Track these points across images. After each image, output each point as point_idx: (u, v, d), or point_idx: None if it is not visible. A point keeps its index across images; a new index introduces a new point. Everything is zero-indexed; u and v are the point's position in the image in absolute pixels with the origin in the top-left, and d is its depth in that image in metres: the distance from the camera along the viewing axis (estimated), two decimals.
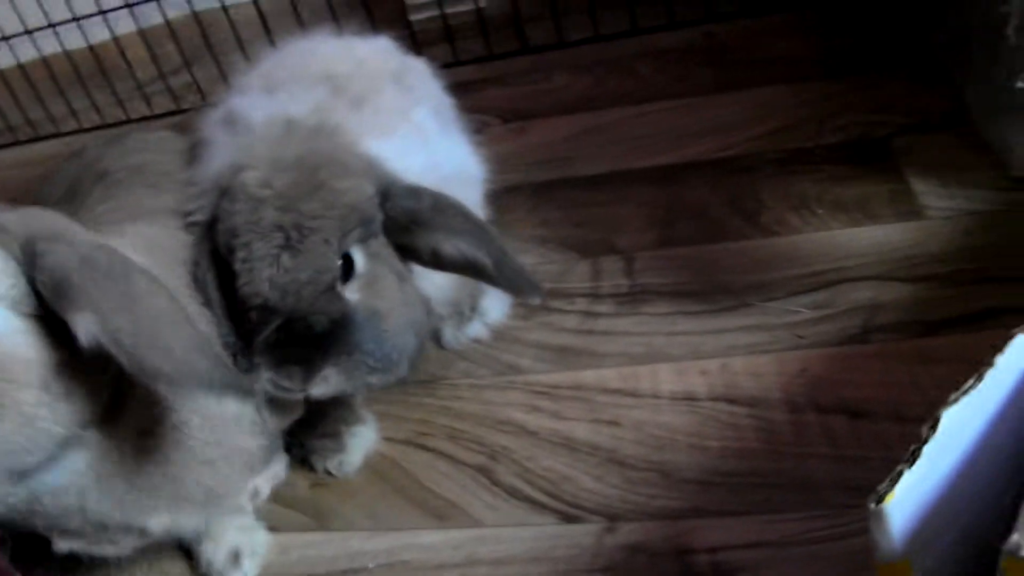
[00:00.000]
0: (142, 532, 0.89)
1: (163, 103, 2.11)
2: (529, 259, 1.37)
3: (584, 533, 1.01)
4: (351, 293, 0.89)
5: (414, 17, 1.95)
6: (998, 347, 0.67)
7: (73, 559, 0.93)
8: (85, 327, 0.68)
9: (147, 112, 2.11)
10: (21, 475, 0.75)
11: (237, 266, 0.88)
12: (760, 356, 1.13)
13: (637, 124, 1.61)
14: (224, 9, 1.98)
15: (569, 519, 1.03)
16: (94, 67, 2.13)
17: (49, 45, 2.15)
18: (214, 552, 1.08)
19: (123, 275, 0.73)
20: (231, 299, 0.90)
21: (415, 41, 1.88)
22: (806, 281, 1.21)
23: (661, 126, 1.58)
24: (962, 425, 0.66)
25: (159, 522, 0.89)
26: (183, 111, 2.06)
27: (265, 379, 0.87)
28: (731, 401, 1.09)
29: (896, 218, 1.26)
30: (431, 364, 1.25)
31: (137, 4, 2.05)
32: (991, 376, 0.66)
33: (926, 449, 0.64)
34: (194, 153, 1.13)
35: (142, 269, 0.76)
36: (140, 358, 0.69)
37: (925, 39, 1.54)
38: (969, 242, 1.19)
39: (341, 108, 1.03)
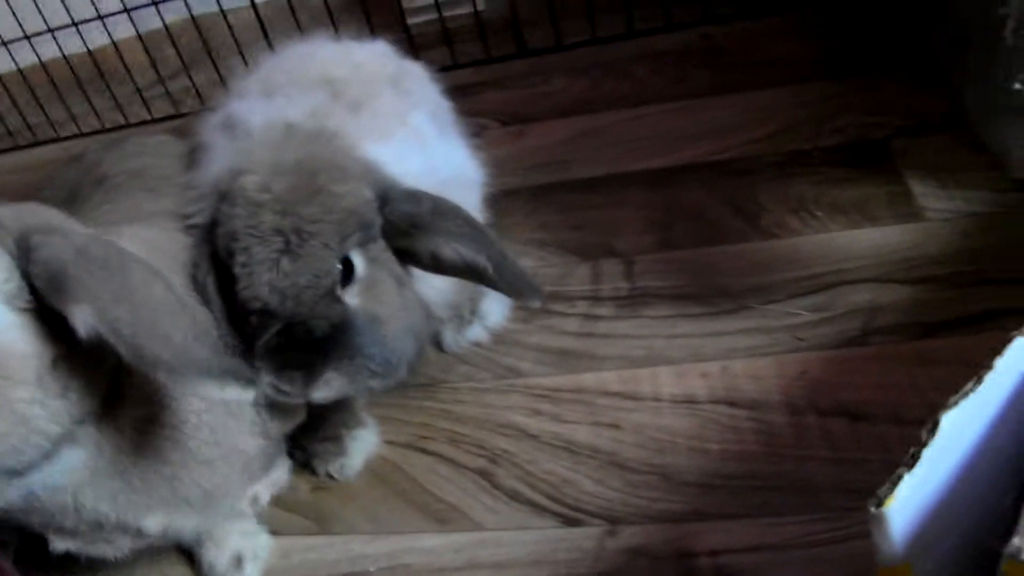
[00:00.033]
0: (138, 532, 0.88)
1: (162, 107, 2.11)
2: (528, 262, 1.37)
3: (585, 536, 1.01)
4: (351, 297, 0.89)
5: (412, 20, 1.96)
6: (997, 350, 0.67)
7: (75, 562, 0.93)
8: (83, 318, 0.68)
9: (146, 116, 2.11)
10: (15, 473, 0.74)
11: (237, 270, 0.88)
12: (760, 359, 1.13)
13: (634, 127, 1.61)
14: (222, 13, 1.98)
15: (570, 522, 1.03)
16: (93, 72, 2.13)
17: (48, 50, 2.16)
18: (216, 556, 1.08)
19: (119, 265, 0.72)
20: (231, 303, 0.91)
21: (413, 44, 1.89)
22: (805, 283, 1.21)
23: (658, 129, 1.59)
24: (962, 428, 0.66)
25: (155, 522, 0.88)
26: (182, 115, 2.06)
27: (266, 383, 0.87)
28: (731, 404, 1.09)
29: (895, 220, 1.26)
30: (431, 367, 1.25)
31: (136, 9, 2.05)
32: (990, 379, 0.66)
33: (926, 453, 0.64)
34: (193, 157, 1.13)
35: (138, 259, 0.75)
36: (140, 347, 0.68)
37: (922, 41, 1.54)
38: (968, 244, 1.19)
39: (339, 112, 1.03)
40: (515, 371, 1.22)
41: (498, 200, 1.27)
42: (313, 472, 1.17)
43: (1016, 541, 0.55)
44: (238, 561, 1.08)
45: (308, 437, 1.14)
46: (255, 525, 1.11)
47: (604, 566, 0.98)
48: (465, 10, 1.92)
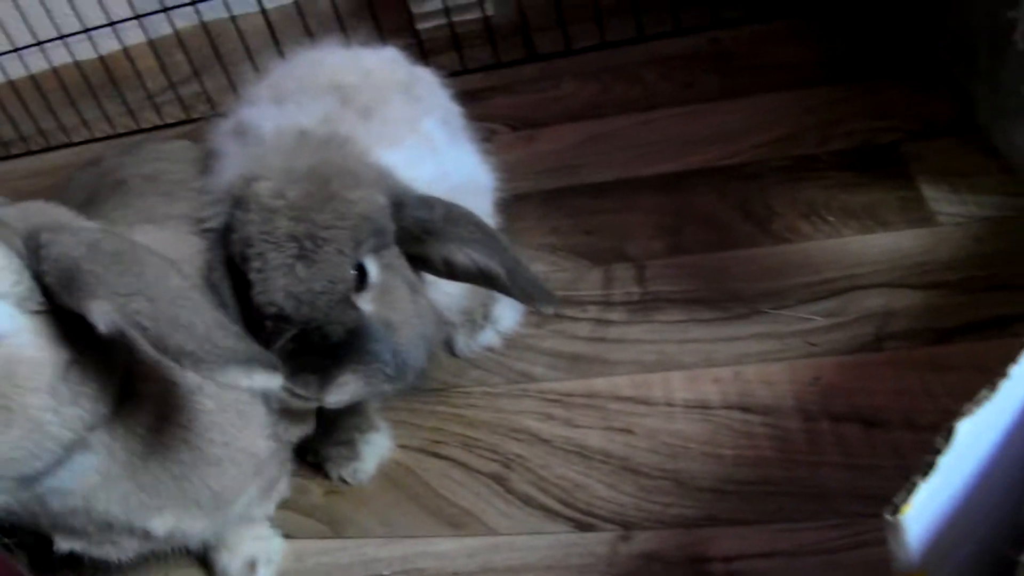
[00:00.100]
0: (145, 534, 0.89)
1: (173, 112, 2.12)
2: (540, 267, 1.37)
3: (598, 541, 1.01)
4: (365, 303, 0.90)
5: (421, 26, 1.97)
6: (1011, 357, 0.67)
7: (81, 563, 0.94)
8: (102, 313, 0.67)
9: (157, 121, 2.13)
10: (30, 480, 0.74)
11: (252, 275, 0.88)
12: (773, 364, 1.13)
13: (644, 131, 1.61)
14: (232, 19, 1.99)
15: (583, 527, 1.03)
16: (104, 77, 2.14)
17: (59, 56, 2.17)
18: (229, 560, 1.08)
19: (133, 257, 0.71)
20: (246, 307, 0.91)
21: (422, 50, 1.89)
22: (817, 288, 1.21)
23: (668, 133, 1.59)
24: (977, 436, 0.66)
25: (162, 523, 0.88)
26: (193, 120, 2.07)
27: (281, 387, 0.88)
28: (744, 409, 1.09)
29: (907, 225, 1.26)
30: (444, 372, 1.25)
31: (146, 15, 2.06)
32: (1006, 386, 0.66)
33: (941, 460, 0.64)
34: (206, 163, 1.14)
35: (151, 250, 0.74)
36: (163, 339, 0.67)
37: (930, 44, 1.54)
38: (980, 248, 1.19)
39: (349, 118, 1.04)
40: (527, 376, 1.22)
41: (509, 205, 1.28)
42: (326, 476, 1.17)
43: None
44: (251, 565, 1.08)
45: (321, 441, 1.14)
46: (268, 529, 1.11)
47: (617, 571, 0.98)
48: (474, 15, 1.92)
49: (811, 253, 1.26)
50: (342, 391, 0.89)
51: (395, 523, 1.10)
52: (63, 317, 0.71)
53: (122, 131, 2.14)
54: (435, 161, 1.08)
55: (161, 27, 2.11)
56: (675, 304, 1.26)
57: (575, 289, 1.32)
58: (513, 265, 0.90)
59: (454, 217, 0.92)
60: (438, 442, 1.18)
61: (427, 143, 1.10)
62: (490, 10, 1.92)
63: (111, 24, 2.07)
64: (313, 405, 0.90)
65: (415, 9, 1.95)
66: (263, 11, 1.95)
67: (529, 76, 1.85)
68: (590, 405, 1.16)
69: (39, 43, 2.12)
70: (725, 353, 1.17)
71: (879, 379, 1.08)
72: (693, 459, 1.06)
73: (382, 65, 1.19)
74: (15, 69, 2.22)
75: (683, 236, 1.36)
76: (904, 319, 1.14)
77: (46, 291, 0.71)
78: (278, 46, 1.90)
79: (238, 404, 0.91)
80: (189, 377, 0.85)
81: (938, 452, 0.64)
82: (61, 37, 2.11)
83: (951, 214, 1.26)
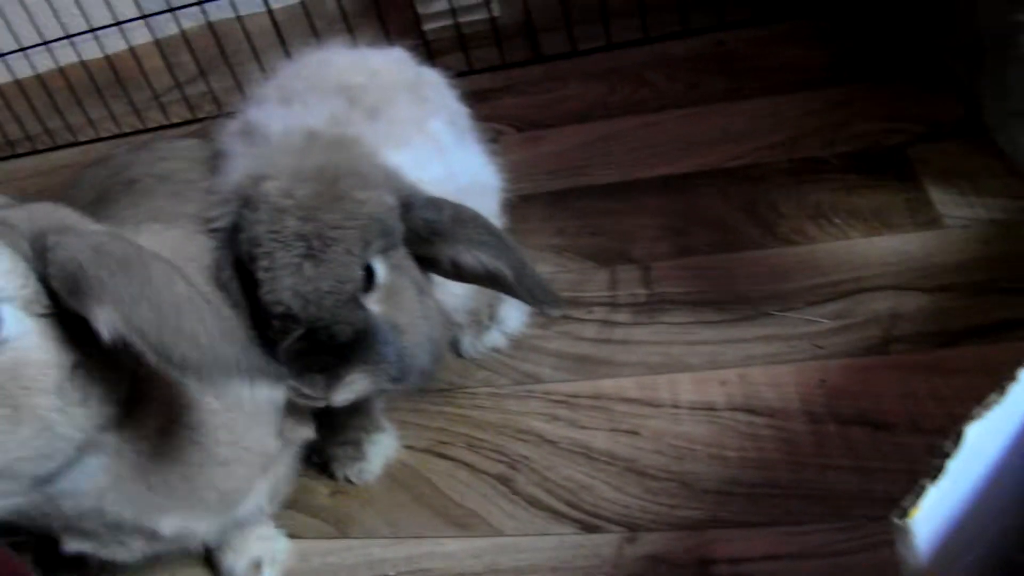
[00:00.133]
0: (153, 534, 0.88)
1: (179, 112, 2.13)
2: (546, 268, 1.38)
3: (604, 543, 1.01)
4: (372, 304, 0.90)
5: (428, 26, 1.97)
6: (1020, 361, 0.67)
7: (87, 564, 0.94)
8: (106, 320, 0.66)
9: (163, 121, 2.13)
10: (42, 481, 0.74)
11: (259, 275, 0.88)
12: (779, 366, 1.13)
13: (650, 133, 1.61)
14: (239, 19, 2.00)
15: (589, 529, 1.03)
16: (110, 77, 2.15)
17: (66, 55, 2.18)
18: (235, 560, 1.09)
19: (138, 262, 0.71)
20: (254, 306, 0.91)
21: (429, 50, 1.89)
22: (824, 291, 1.21)
23: (674, 135, 1.59)
24: (986, 440, 0.66)
25: (171, 524, 0.88)
26: (199, 120, 2.07)
27: (288, 386, 0.88)
28: (750, 411, 1.09)
29: (914, 227, 1.26)
30: (450, 373, 1.25)
31: (152, 15, 2.07)
32: (1014, 390, 0.66)
33: (950, 464, 0.64)
34: (213, 163, 1.14)
35: (156, 255, 0.74)
36: (166, 349, 0.67)
37: (936, 46, 1.54)
38: (987, 252, 1.19)
39: (357, 119, 1.04)
40: (533, 377, 1.22)
41: (514, 206, 1.28)
42: (332, 476, 1.18)
43: None
44: (257, 566, 1.08)
45: (327, 442, 1.14)
46: (273, 529, 1.11)
47: (623, 573, 0.98)
48: (480, 16, 1.92)
49: (817, 255, 1.26)
50: (349, 391, 0.89)
51: (401, 524, 1.11)
52: (70, 319, 0.71)
53: (128, 130, 2.15)
54: (442, 162, 1.08)
55: (167, 27, 2.12)
56: (681, 306, 1.26)
57: (581, 290, 1.32)
58: (520, 267, 0.90)
59: (462, 218, 0.92)
60: (444, 443, 1.18)
61: (434, 144, 1.10)
62: (496, 11, 1.92)
63: (117, 24, 2.08)
64: (320, 404, 0.90)
65: (421, 10, 1.95)
66: (269, 11, 1.96)
67: (535, 77, 1.86)
68: (596, 406, 1.16)
69: (46, 43, 2.13)
70: (731, 355, 1.17)
71: (886, 382, 1.08)
72: (699, 461, 1.06)
73: (389, 65, 1.19)
74: (22, 68, 2.22)
75: (689, 238, 1.36)
76: (911, 322, 1.14)
77: (52, 294, 0.71)
78: (284, 46, 1.90)
79: (246, 404, 0.90)
80: None
81: (947, 456, 0.64)
82: (68, 37, 2.11)
83: (958, 217, 1.26)
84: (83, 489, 0.79)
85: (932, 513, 0.63)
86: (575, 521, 1.04)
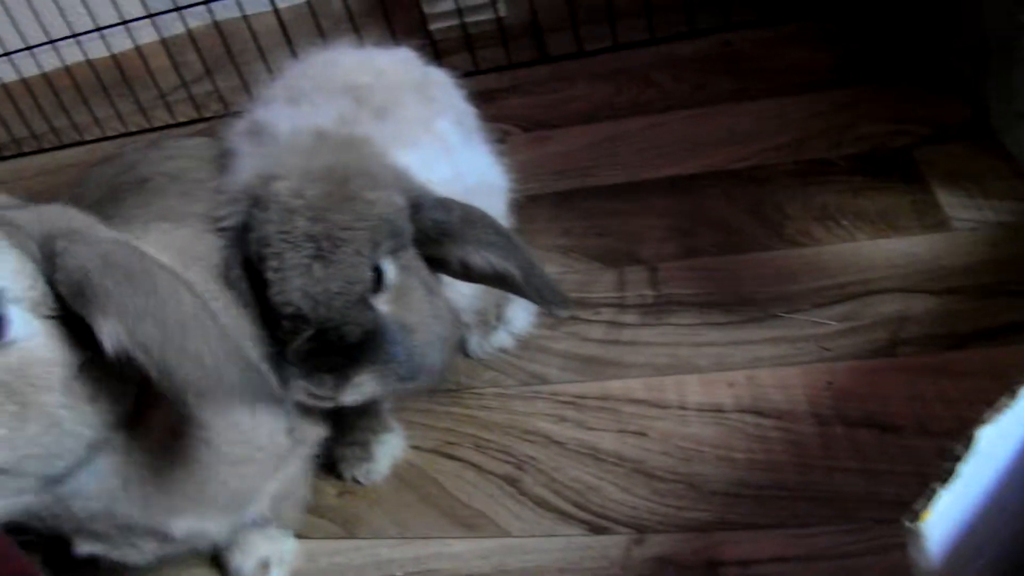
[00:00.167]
0: (164, 536, 0.88)
1: (185, 111, 2.13)
2: (553, 269, 1.38)
3: (612, 545, 1.01)
4: (382, 304, 0.90)
5: (434, 26, 1.97)
6: None
7: (99, 565, 0.93)
8: (111, 334, 0.67)
9: (169, 120, 2.13)
10: (52, 481, 0.73)
11: (269, 275, 0.88)
12: (786, 368, 1.13)
13: (656, 133, 1.61)
14: (245, 19, 2.00)
15: (597, 530, 1.03)
16: (117, 76, 2.15)
17: (72, 54, 2.18)
18: (242, 561, 1.09)
19: (146, 275, 0.71)
20: (264, 305, 0.91)
21: (435, 50, 1.89)
22: (831, 293, 1.21)
23: (680, 135, 1.59)
24: (997, 443, 0.66)
25: (182, 525, 0.88)
26: (205, 119, 2.08)
27: (298, 387, 0.88)
28: (758, 413, 1.09)
29: (921, 229, 1.26)
30: (457, 373, 1.25)
31: (159, 14, 2.07)
32: None
33: (962, 468, 0.64)
34: (220, 163, 1.14)
35: (163, 265, 0.74)
36: (169, 369, 0.67)
37: (942, 48, 1.54)
38: (995, 254, 1.19)
39: (365, 119, 1.04)
40: (540, 377, 1.23)
41: (521, 206, 1.28)
42: (339, 477, 1.18)
43: None
44: (264, 566, 1.08)
45: (335, 442, 1.14)
46: (281, 530, 1.11)
47: (631, 574, 0.98)
48: (487, 16, 1.92)
49: (824, 257, 1.26)
50: (358, 391, 0.89)
51: (408, 524, 1.11)
52: (78, 319, 0.71)
53: (134, 129, 2.15)
54: (450, 162, 1.08)
55: (174, 26, 2.12)
56: (688, 307, 1.26)
57: (588, 291, 1.32)
58: (529, 268, 0.91)
59: (471, 219, 0.92)
60: (451, 443, 1.18)
61: (441, 144, 1.10)
62: (503, 11, 1.92)
63: (124, 23, 2.08)
64: (329, 405, 0.90)
65: (427, 9, 1.95)
66: (276, 11, 1.96)
67: (542, 77, 1.86)
68: (603, 408, 1.16)
69: (52, 41, 2.13)
70: (739, 357, 1.17)
71: (893, 384, 1.08)
72: (707, 462, 1.06)
73: (396, 65, 1.19)
74: (28, 67, 2.23)
75: (696, 239, 1.36)
76: (919, 324, 1.14)
77: (59, 296, 0.71)
78: (291, 46, 1.90)
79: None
80: None
81: (958, 459, 0.64)
82: (74, 36, 2.12)
83: (965, 219, 1.26)
84: (93, 490, 0.79)
85: (943, 517, 0.63)
86: (583, 522, 1.04)
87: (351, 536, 1.12)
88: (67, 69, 2.19)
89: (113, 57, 2.15)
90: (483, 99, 1.28)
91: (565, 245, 1.42)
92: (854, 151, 1.43)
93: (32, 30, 2.14)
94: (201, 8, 2.03)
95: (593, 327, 1.27)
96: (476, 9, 1.92)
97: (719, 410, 1.11)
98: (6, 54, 2.18)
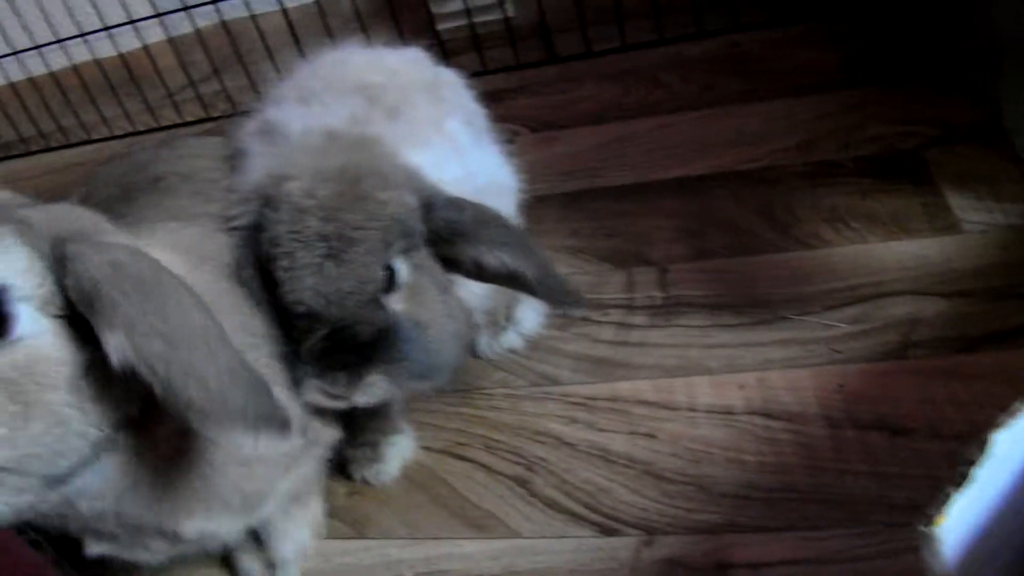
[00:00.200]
0: (175, 537, 0.88)
1: (193, 110, 2.13)
2: (562, 269, 1.37)
3: (622, 546, 1.01)
4: (395, 304, 0.90)
5: (442, 26, 1.97)
6: None
7: (110, 566, 0.93)
8: (117, 348, 0.66)
9: (177, 119, 2.14)
10: (56, 480, 0.73)
11: (280, 274, 0.88)
12: (797, 370, 1.13)
13: (664, 134, 1.61)
14: (253, 18, 2.00)
15: (607, 532, 1.03)
16: (124, 75, 2.15)
17: (80, 53, 2.19)
18: (252, 561, 1.09)
19: (155, 287, 0.70)
20: (276, 304, 0.91)
21: (443, 50, 1.89)
22: (841, 295, 1.20)
23: (688, 136, 1.59)
24: (1011, 447, 0.66)
25: (192, 526, 0.87)
26: (213, 119, 2.08)
27: (311, 386, 0.88)
28: (768, 415, 1.09)
29: (931, 232, 1.25)
30: (467, 374, 1.25)
31: (167, 14, 2.07)
32: None
33: (976, 471, 0.64)
34: (231, 162, 1.14)
35: (175, 279, 0.73)
36: (173, 388, 0.67)
37: (952, 49, 1.53)
38: (1006, 257, 1.19)
39: (377, 119, 1.04)
40: (551, 378, 1.22)
41: (529, 207, 1.28)
42: (349, 477, 1.18)
43: None
44: (275, 566, 1.08)
45: (345, 443, 1.14)
46: (293, 530, 1.11)
47: None
48: (495, 16, 1.92)
49: (835, 259, 1.26)
50: (371, 392, 0.89)
51: (418, 524, 1.11)
52: (85, 320, 0.70)
53: (142, 128, 2.15)
54: (460, 162, 1.08)
55: (182, 26, 2.12)
56: (698, 309, 1.25)
57: (598, 292, 1.32)
58: (542, 268, 0.91)
59: (484, 219, 0.92)
60: (461, 444, 1.18)
61: (452, 144, 1.10)
62: (511, 11, 1.92)
63: (132, 22, 2.09)
64: (342, 405, 0.91)
65: (435, 9, 1.95)
66: (284, 10, 1.96)
67: (549, 78, 1.86)
68: (613, 409, 1.16)
69: (60, 40, 2.14)
70: (749, 359, 1.16)
71: (904, 387, 1.08)
72: (716, 464, 1.06)
73: (407, 65, 1.19)
74: (36, 66, 2.23)
75: (705, 240, 1.36)
76: (929, 327, 1.13)
77: (68, 298, 0.70)
78: (298, 45, 1.91)
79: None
80: None
81: (972, 463, 0.64)
82: (82, 35, 2.12)
83: (976, 222, 1.25)
84: (100, 489, 0.79)
85: (958, 521, 0.63)
86: (593, 524, 1.04)
87: (360, 536, 1.12)
88: (75, 68, 2.19)
89: (121, 56, 2.15)
90: (491, 99, 1.28)
91: (574, 246, 1.42)
92: (863, 152, 1.43)
93: (40, 29, 2.15)
94: (209, 8, 2.03)
95: (602, 328, 1.27)
96: (484, 9, 1.92)
97: (729, 412, 1.11)
98: (14, 53, 2.19)
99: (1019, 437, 0.66)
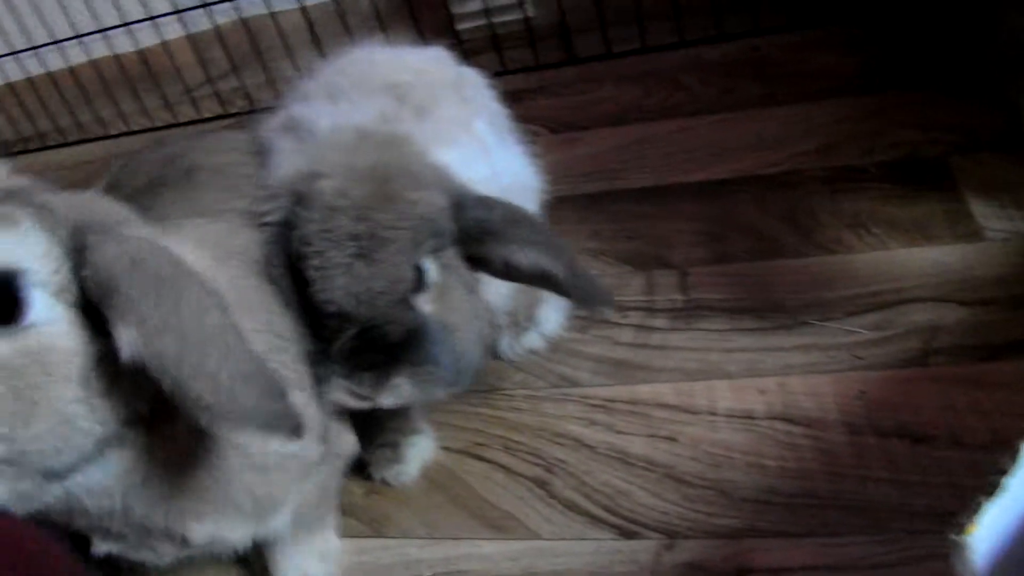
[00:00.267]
0: (183, 540, 0.85)
1: (211, 107, 2.14)
2: None
3: (642, 549, 1.01)
4: (423, 304, 0.90)
5: (461, 26, 1.97)
6: None
7: (124, 568, 0.93)
8: (128, 342, 0.65)
9: (195, 116, 2.14)
10: (54, 475, 0.70)
11: (310, 273, 0.88)
12: (818, 376, 1.13)
13: (684, 137, 1.61)
14: (272, 16, 2.01)
15: (627, 535, 1.03)
16: (143, 71, 2.16)
17: (99, 48, 2.20)
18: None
19: (173, 283, 0.69)
20: (305, 303, 0.91)
21: (462, 50, 1.89)
22: (863, 301, 1.20)
23: (708, 140, 1.58)
24: None
25: (202, 530, 0.85)
26: (230, 115, 2.08)
27: (338, 386, 0.89)
28: (789, 421, 1.09)
29: (954, 239, 1.25)
30: (488, 374, 1.25)
31: (186, 10, 2.08)
32: None
33: (1008, 481, 0.64)
34: (256, 158, 1.14)
35: (195, 277, 0.71)
36: (183, 385, 0.65)
37: (974, 56, 1.53)
38: None
39: (406, 117, 1.04)
40: (571, 380, 1.22)
41: (549, 208, 1.28)
42: (367, 476, 1.18)
43: None
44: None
45: (364, 443, 1.14)
46: (327, 538, 1.10)
47: None
48: (515, 16, 1.92)
49: (856, 265, 1.26)
50: (396, 393, 0.89)
51: (437, 524, 1.11)
52: (99, 311, 0.69)
53: (159, 124, 2.16)
54: (487, 162, 1.08)
55: (201, 22, 2.13)
56: (718, 313, 1.25)
57: (618, 295, 1.32)
58: (572, 266, 0.91)
59: (514, 218, 0.92)
60: (480, 444, 1.18)
61: (479, 144, 1.10)
62: (531, 11, 1.92)
63: (151, 19, 2.10)
64: (367, 405, 0.91)
65: (455, 9, 1.95)
66: (303, 8, 1.97)
67: (569, 79, 1.85)
68: (633, 412, 1.16)
69: (79, 36, 2.15)
70: (770, 363, 1.16)
71: (926, 394, 1.07)
72: (737, 469, 1.06)
73: (432, 64, 1.20)
74: (55, 61, 2.24)
75: (726, 244, 1.36)
76: (951, 335, 1.13)
77: (83, 289, 0.69)
78: (318, 44, 1.91)
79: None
80: None
81: (1004, 472, 0.64)
82: (102, 30, 2.13)
83: (998, 229, 1.25)
84: (106, 487, 0.76)
85: (990, 530, 0.63)
86: (612, 526, 1.04)
87: (379, 535, 1.12)
88: (93, 63, 2.20)
89: (140, 52, 2.16)
90: (510, 100, 1.28)
91: (594, 248, 1.42)
92: (885, 158, 1.43)
93: (59, 24, 2.16)
94: (228, 5, 2.04)
95: (623, 331, 1.27)
96: (504, 9, 1.92)
97: (750, 417, 1.11)
98: (33, 48, 2.20)
99: None
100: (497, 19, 1.91)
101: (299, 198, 0.91)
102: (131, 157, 1.22)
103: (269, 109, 1.22)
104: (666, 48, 1.82)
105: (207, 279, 0.73)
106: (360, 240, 0.86)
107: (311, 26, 1.97)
